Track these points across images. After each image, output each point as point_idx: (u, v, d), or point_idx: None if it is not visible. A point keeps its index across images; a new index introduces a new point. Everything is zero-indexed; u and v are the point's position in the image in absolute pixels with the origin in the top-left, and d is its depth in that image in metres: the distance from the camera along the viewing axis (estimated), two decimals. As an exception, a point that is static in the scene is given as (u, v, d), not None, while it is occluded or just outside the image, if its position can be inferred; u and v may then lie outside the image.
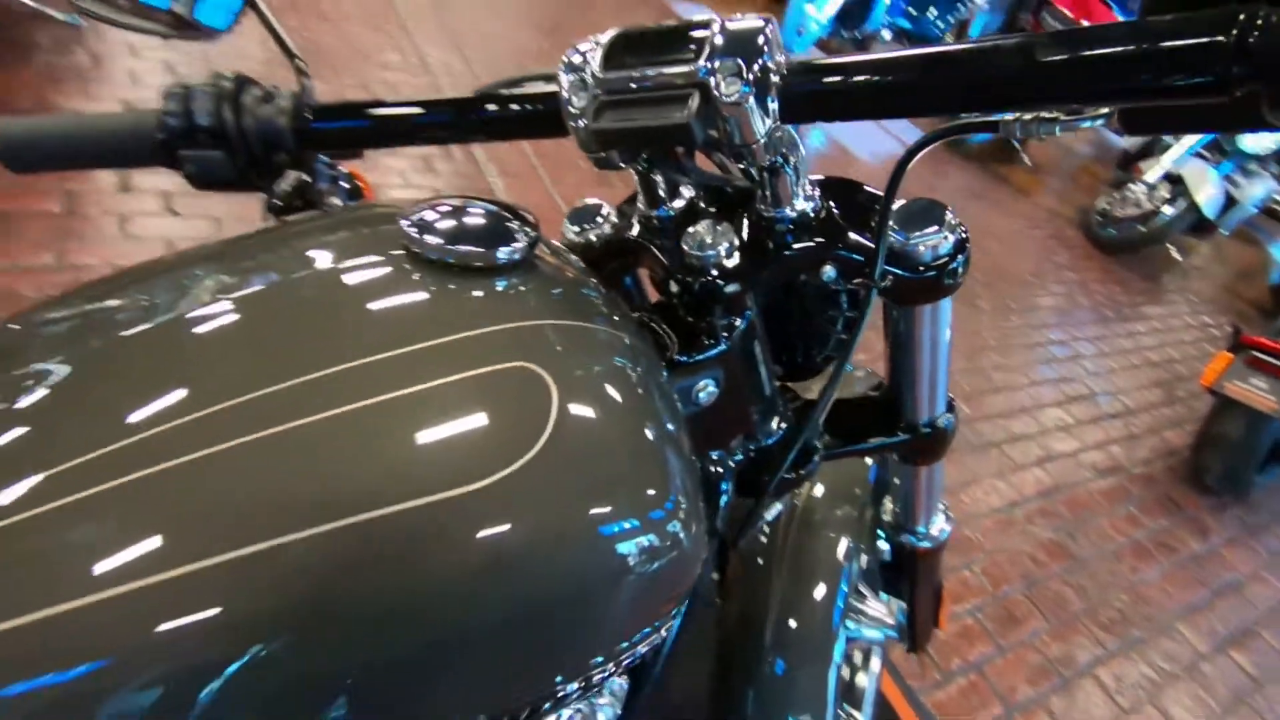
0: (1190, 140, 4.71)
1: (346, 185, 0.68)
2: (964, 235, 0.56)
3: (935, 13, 6.35)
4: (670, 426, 0.47)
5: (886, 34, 6.29)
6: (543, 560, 0.37)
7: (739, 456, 0.65)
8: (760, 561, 0.96)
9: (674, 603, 0.48)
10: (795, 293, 0.65)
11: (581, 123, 0.47)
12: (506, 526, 0.36)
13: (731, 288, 0.55)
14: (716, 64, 0.42)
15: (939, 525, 0.92)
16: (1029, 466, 2.80)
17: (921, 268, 0.55)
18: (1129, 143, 5.28)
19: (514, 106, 0.55)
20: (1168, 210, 4.70)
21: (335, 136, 0.58)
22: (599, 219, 0.62)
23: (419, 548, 0.34)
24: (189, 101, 0.54)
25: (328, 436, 0.34)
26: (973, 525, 2.42)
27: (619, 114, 0.45)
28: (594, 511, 0.39)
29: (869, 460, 1.03)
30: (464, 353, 0.39)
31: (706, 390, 0.58)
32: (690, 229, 0.56)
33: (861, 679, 1.04)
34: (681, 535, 0.45)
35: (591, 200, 0.64)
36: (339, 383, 0.36)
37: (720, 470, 0.63)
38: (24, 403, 0.34)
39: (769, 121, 0.44)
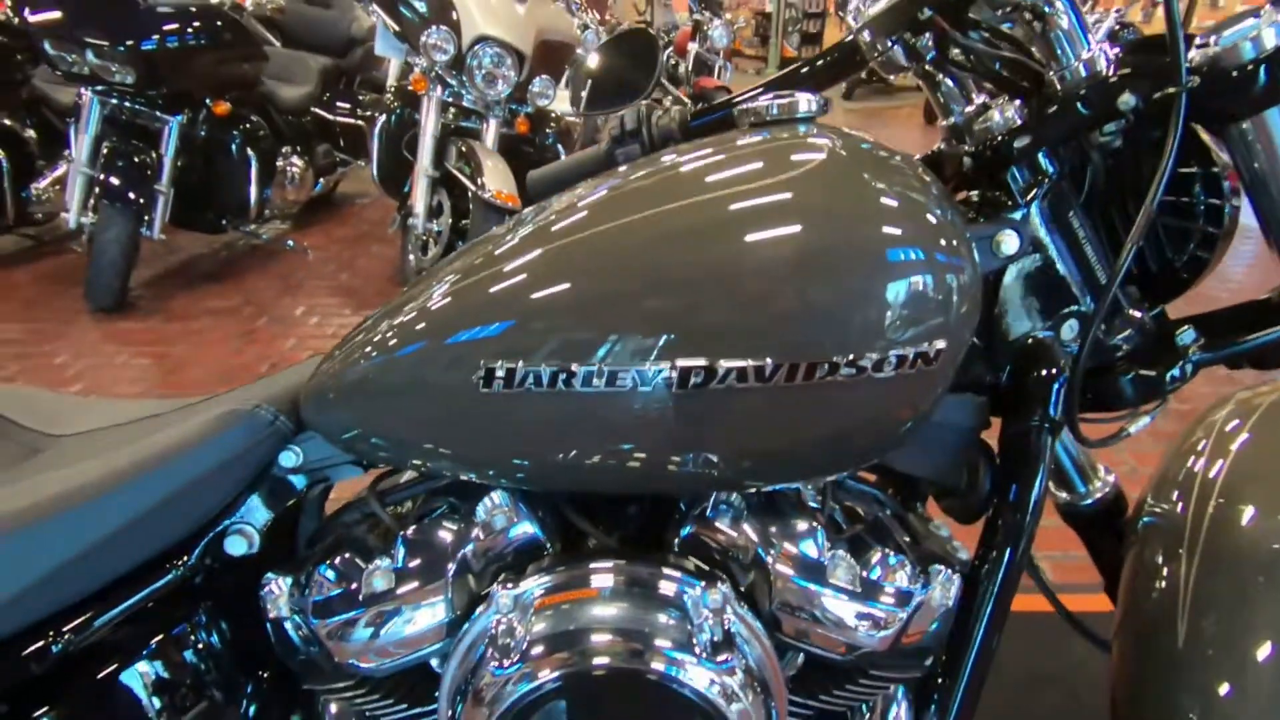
0: None
1: None
2: None
3: None
4: (953, 229, 0.58)
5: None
6: (826, 240, 0.56)
7: (1074, 349, 0.65)
8: (1157, 610, 0.70)
9: (929, 339, 0.57)
10: (1126, 187, 0.64)
11: (865, 32, 0.63)
12: (790, 214, 0.57)
13: (1021, 141, 0.61)
14: None
15: None
16: None
17: (1241, 67, 0.54)
18: None
19: (821, 62, 0.76)
20: None
21: (701, 130, 0.84)
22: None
23: (736, 211, 0.58)
24: (623, 118, 0.86)
25: (698, 169, 0.62)
26: None
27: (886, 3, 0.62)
28: (882, 227, 0.56)
29: None
30: (768, 141, 0.62)
31: (1008, 241, 0.62)
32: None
33: None
34: (953, 299, 0.56)
35: None
36: (709, 159, 0.63)
37: (1053, 358, 0.65)
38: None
39: None
